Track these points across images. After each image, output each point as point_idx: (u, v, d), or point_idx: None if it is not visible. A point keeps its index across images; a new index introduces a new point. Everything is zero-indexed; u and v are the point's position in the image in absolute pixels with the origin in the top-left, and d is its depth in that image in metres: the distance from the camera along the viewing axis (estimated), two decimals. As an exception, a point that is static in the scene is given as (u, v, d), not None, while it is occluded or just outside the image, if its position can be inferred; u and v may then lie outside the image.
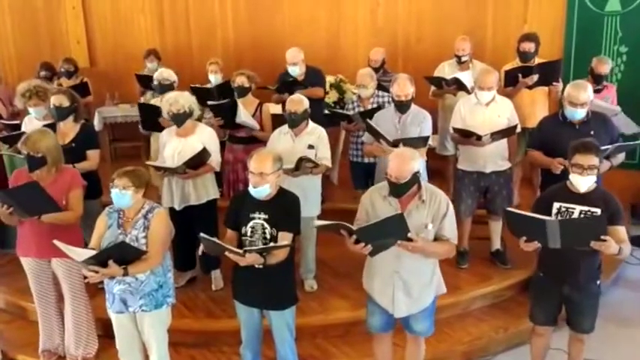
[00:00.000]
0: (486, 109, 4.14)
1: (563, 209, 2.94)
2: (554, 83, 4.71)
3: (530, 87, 4.67)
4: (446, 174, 5.29)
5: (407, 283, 2.93)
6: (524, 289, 4.27)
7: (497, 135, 4.02)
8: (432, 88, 5.12)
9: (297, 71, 5.00)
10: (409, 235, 2.69)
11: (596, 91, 4.63)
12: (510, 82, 4.70)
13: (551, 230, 2.77)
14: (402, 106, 3.99)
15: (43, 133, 3.45)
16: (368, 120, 4.04)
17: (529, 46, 4.79)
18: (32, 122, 4.22)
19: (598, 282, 3.14)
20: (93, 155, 4.01)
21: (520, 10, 5.99)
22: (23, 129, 4.25)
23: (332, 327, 3.89)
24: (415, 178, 2.80)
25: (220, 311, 3.96)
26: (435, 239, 2.88)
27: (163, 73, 4.87)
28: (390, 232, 2.71)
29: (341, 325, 3.87)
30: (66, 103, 3.92)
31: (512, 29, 5.80)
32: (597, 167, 2.92)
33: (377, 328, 3.13)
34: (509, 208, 3.04)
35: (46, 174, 3.35)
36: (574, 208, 2.92)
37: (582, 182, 2.92)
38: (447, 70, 5.14)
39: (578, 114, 3.68)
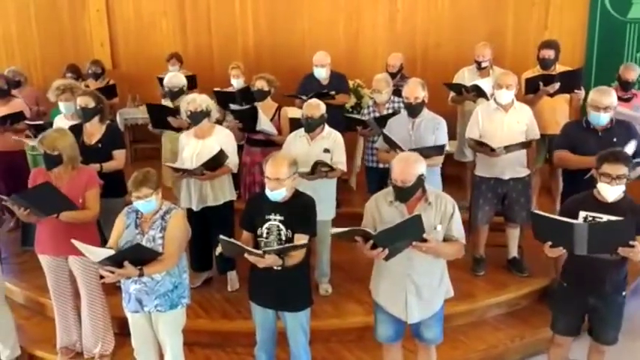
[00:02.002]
0: (505, 115, 4.11)
1: (590, 218, 2.89)
2: (576, 91, 4.66)
3: (551, 95, 4.62)
4: (463, 180, 5.25)
5: (418, 285, 2.92)
6: (541, 297, 4.24)
7: (511, 148, 3.98)
8: (451, 94, 5.10)
9: (323, 74, 5.03)
10: (424, 235, 2.69)
11: (626, 100, 4.59)
12: (531, 90, 4.65)
13: (579, 235, 2.71)
14: (411, 110, 3.98)
15: (60, 132, 3.52)
16: (383, 130, 4.03)
17: (549, 54, 4.75)
18: (62, 122, 4.31)
19: (624, 293, 3.10)
20: (119, 155, 4.08)
21: (541, 17, 5.95)
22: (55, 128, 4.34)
23: (346, 331, 3.88)
24: (420, 181, 2.80)
25: (235, 312, 3.98)
26: (444, 240, 2.88)
27: (172, 79, 4.90)
28: (408, 233, 2.71)
29: (355, 330, 3.86)
30: (91, 104, 4.00)
31: (532, 36, 5.76)
32: (626, 176, 2.88)
33: (387, 337, 3.12)
34: (536, 210, 2.99)
35: (63, 172, 3.41)
36: (601, 218, 2.86)
37: (610, 192, 2.88)
38: (466, 76, 5.11)
39: (602, 119, 3.62)
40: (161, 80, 5.87)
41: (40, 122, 4.88)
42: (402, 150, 3.73)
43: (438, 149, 3.86)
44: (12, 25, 7.24)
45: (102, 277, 2.94)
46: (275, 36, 6.90)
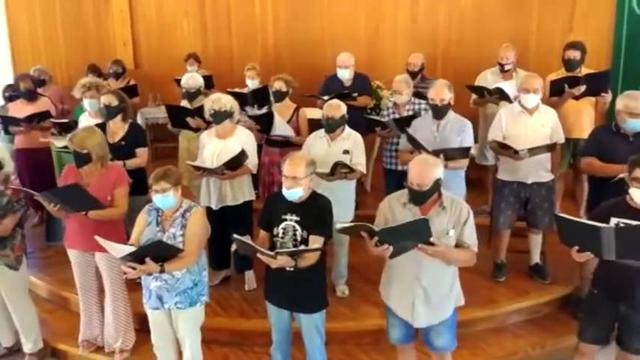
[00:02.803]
0: (530, 118, 4.04)
1: (622, 225, 2.81)
2: (603, 94, 4.56)
3: (576, 97, 4.54)
4: (485, 184, 5.19)
5: (427, 291, 2.88)
6: (563, 305, 4.16)
7: (536, 150, 3.92)
8: (473, 96, 5.04)
9: (346, 75, 5.03)
10: (431, 239, 2.65)
11: None
12: (556, 92, 4.57)
13: (606, 239, 2.64)
14: (436, 111, 3.94)
15: (89, 130, 3.59)
16: (408, 130, 4.00)
17: (574, 54, 4.66)
18: (87, 120, 4.38)
19: None
20: (142, 153, 4.14)
21: (566, 18, 5.85)
22: (80, 126, 4.41)
23: (363, 334, 3.86)
24: (437, 185, 2.77)
25: (253, 311, 4.00)
26: (456, 246, 2.83)
27: (189, 81, 4.94)
28: (413, 235, 2.69)
29: (372, 333, 3.83)
30: (115, 102, 4.07)
31: (557, 38, 5.66)
32: None
33: (398, 340, 3.09)
34: (561, 214, 2.92)
35: (93, 170, 3.47)
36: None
37: None
38: (489, 78, 5.05)
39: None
40: (179, 82, 5.95)
41: (65, 120, 4.97)
42: (427, 151, 3.70)
43: (464, 151, 3.81)
44: (38, 25, 7.40)
45: (124, 272, 2.98)
46: (294, 36, 6.92)
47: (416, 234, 2.67)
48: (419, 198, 2.76)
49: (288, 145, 4.42)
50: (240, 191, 4.10)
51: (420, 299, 2.89)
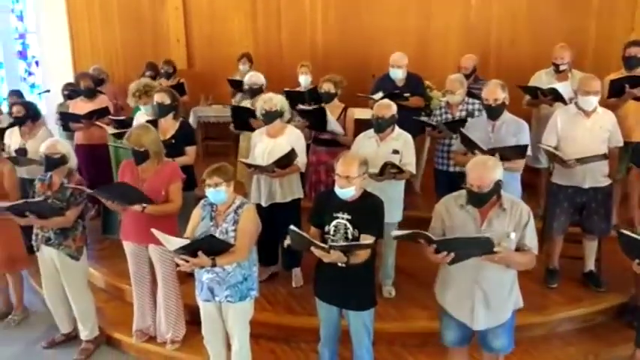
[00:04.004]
0: (587, 120, 3.91)
1: None
2: (667, 95, 4.36)
3: (637, 98, 4.34)
4: (538, 188, 5.05)
5: (487, 294, 2.84)
6: (618, 314, 4.01)
7: (586, 160, 3.79)
8: (527, 97, 4.92)
9: (399, 75, 5.00)
10: (494, 249, 2.60)
11: None
12: (615, 93, 4.39)
13: None
14: (491, 112, 3.86)
15: (144, 128, 3.71)
16: (462, 130, 3.94)
17: (636, 50, 4.45)
18: (143, 118, 4.53)
19: None
20: (191, 151, 4.26)
21: (627, 17, 5.64)
22: (135, 124, 4.58)
23: (410, 335, 3.85)
24: (497, 187, 2.71)
25: (300, 308, 4.04)
26: (516, 249, 2.77)
27: (252, 78, 5.07)
28: (474, 247, 2.65)
29: (419, 335, 3.82)
30: (167, 100, 4.19)
31: (617, 37, 5.45)
32: None
33: (452, 342, 3.05)
34: (623, 230, 2.84)
35: (150, 166, 3.60)
36: None
37: None
38: (543, 79, 4.91)
39: None
40: (231, 82, 6.09)
41: (122, 118, 5.16)
42: (483, 150, 3.63)
43: (520, 150, 3.71)
44: (97, 24, 7.73)
45: (177, 265, 3.07)
46: (344, 35, 6.94)
47: (478, 247, 2.64)
48: (478, 200, 2.72)
49: (335, 145, 4.44)
50: (289, 189, 4.16)
51: (480, 302, 2.85)
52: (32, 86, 8.69)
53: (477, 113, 4.32)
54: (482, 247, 2.60)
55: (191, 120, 6.73)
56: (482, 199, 2.71)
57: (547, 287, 4.19)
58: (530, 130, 4.85)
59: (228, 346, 3.40)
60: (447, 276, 2.94)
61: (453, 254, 2.64)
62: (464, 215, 2.79)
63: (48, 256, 3.82)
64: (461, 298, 2.89)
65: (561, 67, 4.82)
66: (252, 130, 4.70)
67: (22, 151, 4.65)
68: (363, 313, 3.12)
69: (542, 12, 6.00)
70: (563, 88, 4.57)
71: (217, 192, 3.11)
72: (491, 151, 3.56)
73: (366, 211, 3.02)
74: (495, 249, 2.58)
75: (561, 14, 5.90)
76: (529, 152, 3.84)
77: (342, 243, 2.99)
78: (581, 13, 5.83)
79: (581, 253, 4.26)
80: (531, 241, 2.78)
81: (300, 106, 4.70)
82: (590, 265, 4.24)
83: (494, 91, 3.83)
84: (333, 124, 4.39)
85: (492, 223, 2.74)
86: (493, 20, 6.29)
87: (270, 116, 4.06)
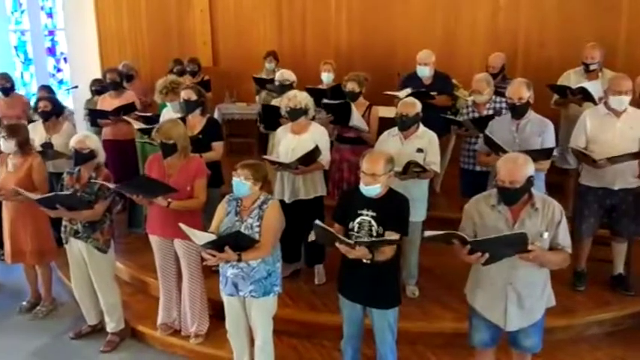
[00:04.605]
0: (617, 121, 3.83)
1: None
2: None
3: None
4: (566, 189, 4.96)
5: (520, 295, 2.80)
6: (648, 319, 3.94)
7: (617, 159, 3.71)
8: (555, 96, 4.84)
9: (426, 73, 4.96)
10: (529, 247, 2.56)
11: None
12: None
13: None
14: (515, 110, 3.81)
15: (173, 122, 3.76)
16: (486, 132, 3.89)
17: None
18: (170, 115, 4.59)
19: None
20: (218, 147, 4.29)
21: (660, 17, 5.50)
22: (161, 120, 4.63)
23: (433, 335, 3.82)
24: (529, 183, 2.67)
25: (322, 305, 4.05)
26: (549, 249, 2.73)
27: (284, 74, 5.11)
28: (509, 246, 2.62)
29: (443, 335, 3.79)
30: (194, 97, 4.24)
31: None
32: None
33: (481, 343, 3.02)
34: None
35: (176, 161, 3.64)
36: None
37: None
38: (572, 78, 4.83)
39: None
40: (257, 80, 6.12)
41: (149, 114, 5.23)
42: (505, 152, 3.55)
43: (546, 152, 3.66)
44: (125, 22, 7.85)
45: (203, 259, 3.10)
46: (368, 33, 6.91)
47: (511, 245, 2.60)
48: (510, 197, 2.68)
49: (359, 143, 4.43)
50: (313, 186, 4.16)
51: (513, 303, 2.82)
52: (60, 82, 8.88)
53: (504, 112, 4.26)
54: (517, 244, 2.56)
55: (216, 116, 6.78)
56: (515, 196, 2.67)
57: (574, 290, 4.13)
58: (559, 130, 4.83)
59: (252, 342, 3.42)
60: (479, 277, 2.90)
61: (487, 255, 2.61)
62: (495, 215, 2.75)
63: (76, 248, 3.89)
64: (493, 299, 2.86)
65: (591, 67, 4.75)
66: None
67: (47, 145, 4.72)
68: (387, 312, 3.11)
69: (571, 13, 5.90)
70: (593, 87, 4.49)
71: (242, 185, 3.13)
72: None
73: (392, 209, 3.01)
74: (530, 247, 2.55)
75: (591, 15, 5.79)
76: (555, 152, 3.78)
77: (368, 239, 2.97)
78: (611, 13, 5.71)
79: (609, 256, 4.19)
80: (564, 239, 2.74)
81: (326, 100, 4.69)
82: (619, 268, 4.15)
83: (519, 90, 3.77)
84: (356, 119, 4.37)
85: (525, 223, 2.70)
86: (522, 21, 6.19)
87: (295, 113, 4.07)
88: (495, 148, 3.74)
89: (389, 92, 5.02)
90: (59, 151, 4.69)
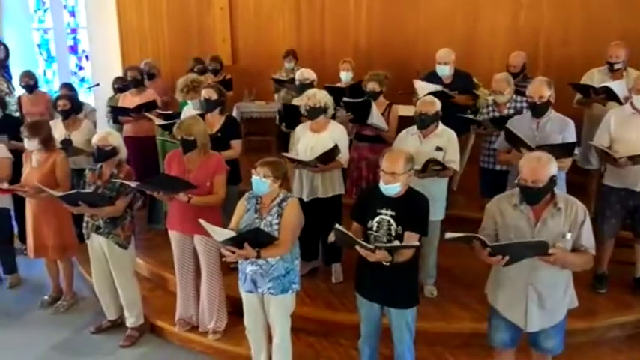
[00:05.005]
0: (643, 120, 3.77)
1: None
2: None
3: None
4: (588, 190, 4.88)
5: (541, 295, 2.78)
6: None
7: (638, 159, 3.64)
8: (577, 95, 4.76)
9: (446, 72, 4.93)
10: (549, 250, 2.54)
11: None
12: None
13: None
14: (535, 109, 3.76)
15: (194, 119, 3.81)
16: (508, 127, 3.84)
17: None
18: (190, 112, 4.62)
19: None
20: (236, 145, 4.32)
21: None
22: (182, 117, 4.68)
23: (451, 336, 3.80)
24: (552, 183, 2.64)
25: (339, 304, 4.05)
26: (572, 250, 2.69)
27: (304, 73, 5.12)
28: (529, 250, 2.60)
29: (461, 335, 3.77)
30: (214, 96, 4.26)
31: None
32: None
33: (501, 343, 2.99)
34: None
35: (196, 157, 3.67)
36: None
37: None
38: (596, 77, 4.75)
39: None
40: (276, 80, 6.13)
41: (170, 112, 5.28)
42: (529, 147, 3.52)
43: (568, 148, 3.59)
44: (146, 21, 7.93)
45: (222, 255, 3.13)
46: (387, 31, 6.86)
47: (532, 249, 2.59)
48: (533, 196, 2.65)
49: (377, 141, 4.41)
50: (331, 185, 4.17)
51: (534, 304, 2.79)
52: (82, 80, 9.00)
53: (525, 111, 4.20)
54: (538, 250, 2.55)
55: (234, 115, 6.81)
56: (538, 196, 2.64)
57: (595, 292, 4.07)
58: (581, 130, 4.75)
59: (269, 339, 3.43)
60: (500, 277, 2.88)
61: (507, 257, 2.59)
62: (517, 215, 2.73)
63: (97, 244, 3.94)
64: (514, 299, 2.84)
65: (615, 66, 4.67)
66: None
67: (67, 142, 4.79)
68: (405, 312, 3.10)
69: (595, 12, 5.79)
70: (618, 86, 4.41)
71: (262, 183, 3.14)
72: (538, 149, 3.45)
73: (411, 208, 2.99)
74: (551, 250, 2.52)
75: (615, 14, 5.68)
76: (576, 151, 3.72)
77: (384, 241, 2.96)
78: (636, 12, 5.60)
79: (632, 258, 4.13)
80: (588, 240, 2.70)
81: (346, 99, 4.68)
82: (642, 270, 4.08)
83: (540, 89, 3.73)
84: (376, 118, 4.36)
85: (547, 223, 2.67)
86: (544, 20, 6.09)
87: (315, 112, 4.07)
88: (517, 144, 3.69)
89: (407, 91, 4.99)
90: (79, 148, 4.76)
